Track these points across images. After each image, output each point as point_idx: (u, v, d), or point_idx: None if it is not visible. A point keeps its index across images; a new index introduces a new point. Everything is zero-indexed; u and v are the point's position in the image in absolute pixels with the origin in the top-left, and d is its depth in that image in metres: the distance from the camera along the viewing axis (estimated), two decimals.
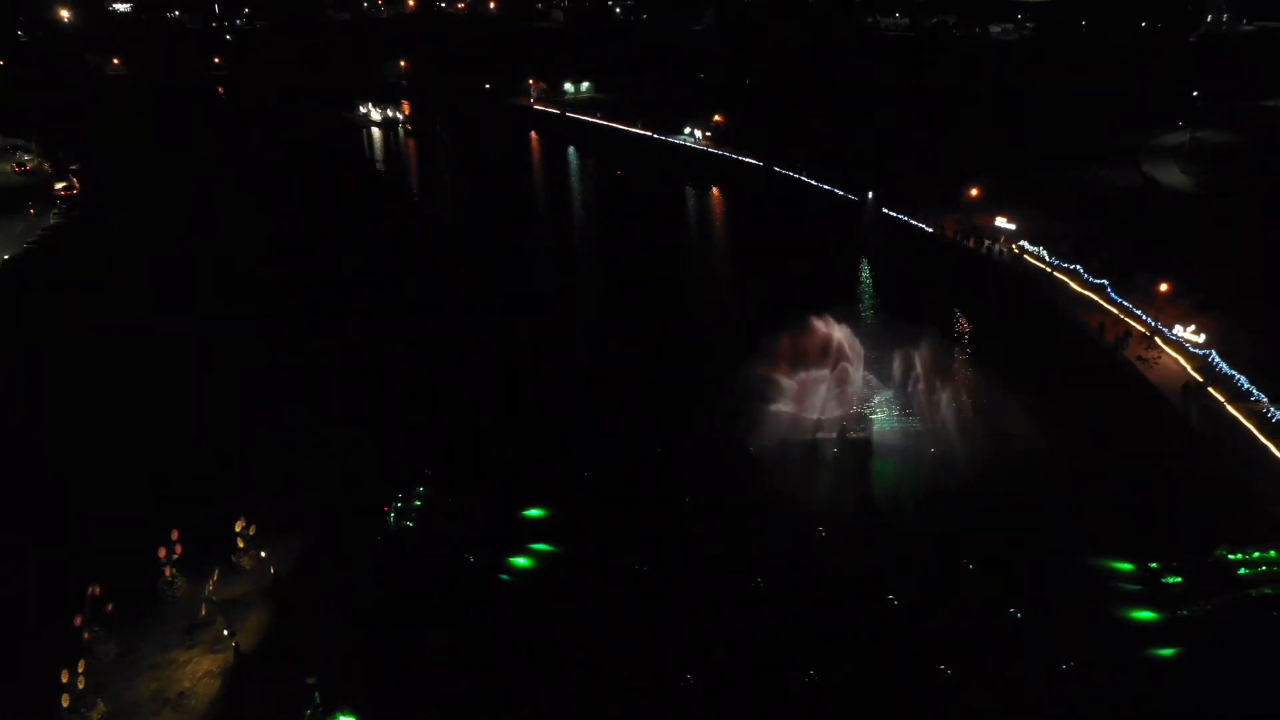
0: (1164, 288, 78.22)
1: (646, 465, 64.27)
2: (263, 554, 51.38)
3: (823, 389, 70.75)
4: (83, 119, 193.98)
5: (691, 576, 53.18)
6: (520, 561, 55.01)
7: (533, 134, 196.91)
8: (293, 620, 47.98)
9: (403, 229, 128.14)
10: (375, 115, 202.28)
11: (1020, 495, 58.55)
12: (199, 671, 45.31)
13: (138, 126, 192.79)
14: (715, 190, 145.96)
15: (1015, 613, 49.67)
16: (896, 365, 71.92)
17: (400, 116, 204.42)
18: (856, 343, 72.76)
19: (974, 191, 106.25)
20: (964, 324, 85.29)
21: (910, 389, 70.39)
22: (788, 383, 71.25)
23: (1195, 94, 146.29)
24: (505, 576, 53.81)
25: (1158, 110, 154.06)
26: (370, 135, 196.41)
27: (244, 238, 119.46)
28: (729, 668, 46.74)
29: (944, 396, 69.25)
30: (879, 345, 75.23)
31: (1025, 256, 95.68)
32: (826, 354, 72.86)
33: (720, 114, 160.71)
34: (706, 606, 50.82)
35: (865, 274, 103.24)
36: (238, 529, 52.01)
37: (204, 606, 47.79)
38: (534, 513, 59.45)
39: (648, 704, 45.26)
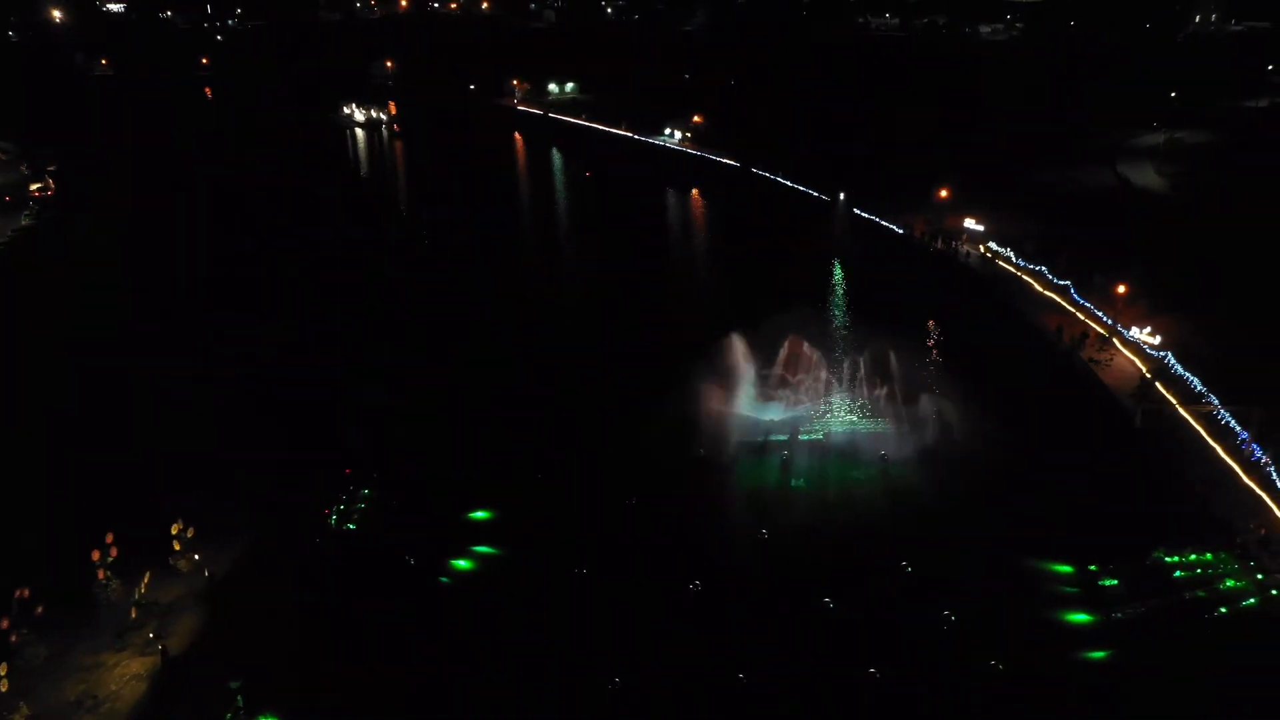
0: (1121, 289, 78.21)
1: (595, 467, 64.17)
2: (196, 556, 51.35)
3: (777, 390, 70.75)
4: (67, 119, 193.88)
5: (630, 579, 53.14)
6: (461, 564, 55.05)
7: (516, 135, 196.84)
8: (223, 623, 47.88)
9: (372, 230, 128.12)
10: (359, 116, 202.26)
11: (964, 497, 58.68)
12: (126, 674, 45.26)
13: (121, 127, 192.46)
14: (695, 192, 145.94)
15: (949, 615, 49.64)
16: (853, 367, 71.86)
17: (384, 117, 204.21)
18: (811, 344, 72.59)
19: (944, 193, 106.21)
20: (924, 326, 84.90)
21: (865, 391, 70.35)
22: (743, 383, 71.16)
23: (1173, 94, 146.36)
24: (444, 579, 53.78)
25: (1141, 111, 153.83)
26: (354, 136, 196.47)
27: (215, 239, 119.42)
28: (659, 670, 46.72)
29: (898, 399, 69.28)
30: (835, 347, 75.38)
31: (993, 258, 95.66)
32: (782, 355, 72.79)
33: (700, 115, 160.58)
34: (641, 609, 50.79)
35: (826, 275, 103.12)
36: (174, 531, 51.97)
37: (134, 609, 47.75)
38: (479, 515, 59.51)
39: (578, 706, 45.33)
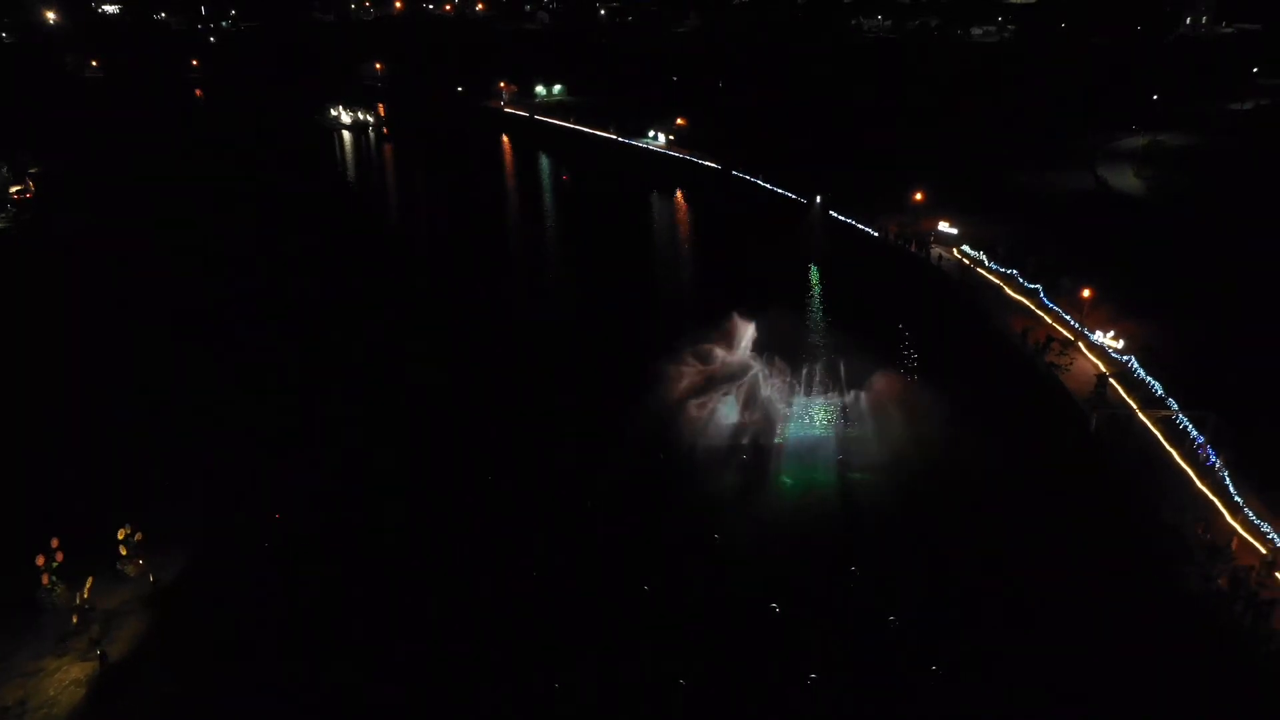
0: (1086, 293, 78.10)
1: (554, 469, 64.20)
2: (139, 561, 51.32)
3: (740, 394, 70.63)
4: (53, 121, 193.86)
5: (581, 582, 53.14)
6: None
7: (504, 137, 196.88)
8: (165, 629, 47.90)
9: (341, 232, 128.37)
10: (346, 118, 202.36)
11: (918, 500, 58.76)
12: (66, 680, 45.25)
13: (107, 130, 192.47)
14: (679, 194, 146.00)
15: (892, 619, 49.65)
16: (816, 371, 71.82)
17: (370, 119, 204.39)
18: (772, 347, 72.60)
19: (918, 196, 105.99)
20: (889, 330, 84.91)
21: (827, 395, 70.32)
22: (705, 386, 71.13)
23: (1154, 97, 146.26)
24: None
25: (1127, 113, 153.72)
26: (340, 139, 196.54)
27: (189, 243, 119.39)
28: (599, 674, 46.70)
29: (859, 403, 69.26)
30: (798, 350, 75.29)
31: (965, 261, 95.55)
32: (745, 359, 72.86)
33: (684, 117, 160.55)
34: (589, 612, 50.79)
35: (796, 279, 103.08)
36: (120, 536, 51.93)
37: (75, 615, 47.72)
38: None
39: (517, 709, 45.37)
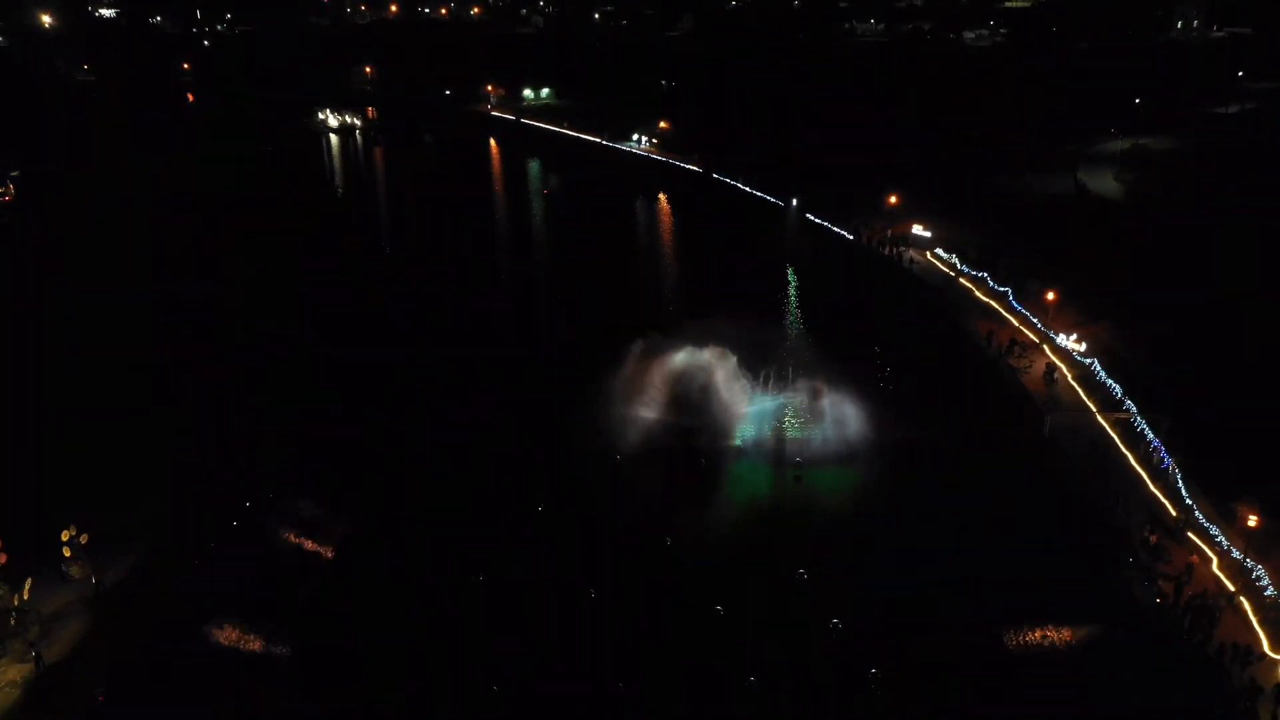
0: (1050, 296, 78.04)
1: (509, 471, 64.10)
2: (78, 563, 51.10)
3: (698, 396, 70.39)
4: (41, 125, 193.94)
5: (526, 587, 52.98)
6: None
7: (492, 141, 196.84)
8: (103, 631, 47.71)
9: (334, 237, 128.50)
10: (333, 122, 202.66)
11: (866, 504, 58.67)
12: (2, 681, 45.11)
13: (93, 133, 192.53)
14: (663, 198, 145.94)
15: (836, 623, 49.48)
16: (780, 373, 71.67)
17: (358, 123, 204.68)
18: (732, 349, 72.32)
19: (893, 199, 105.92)
20: (858, 332, 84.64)
21: (788, 397, 70.20)
22: (662, 388, 70.89)
23: (1137, 100, 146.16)
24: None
25: (1113, 117, 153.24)
26: (328, 142, 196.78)
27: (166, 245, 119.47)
28: (538, 678, 46.55)
29: (818, 404, 69.03)
30: (765, 352, 75.04)
31: (937, 264, 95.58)
32: (705, 360, 72.55)
33: (668, 120, 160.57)
34: (532, 618, 50.62)
35: (766, 281, 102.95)
36: (64, 538, 51.65)
37: (13, 616, 47.50)
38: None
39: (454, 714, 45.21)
